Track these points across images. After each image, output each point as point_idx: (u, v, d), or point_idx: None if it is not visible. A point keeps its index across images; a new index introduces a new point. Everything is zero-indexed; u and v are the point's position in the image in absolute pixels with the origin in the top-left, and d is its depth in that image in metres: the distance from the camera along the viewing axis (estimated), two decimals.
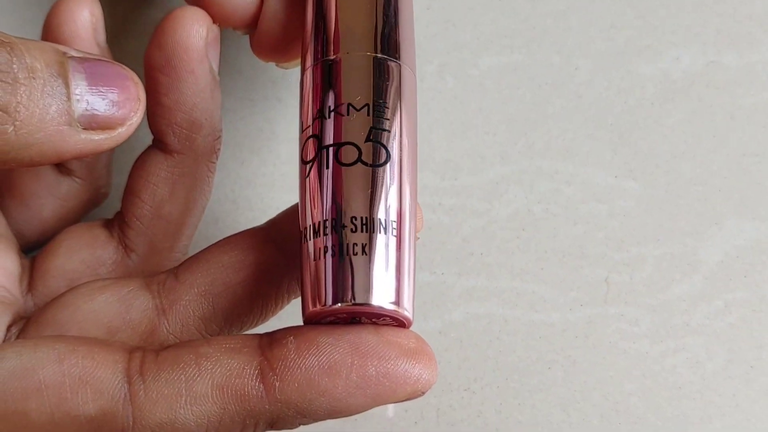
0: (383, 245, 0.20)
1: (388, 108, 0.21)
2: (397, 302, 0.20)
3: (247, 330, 0.24)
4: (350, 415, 0.20)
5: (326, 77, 0.21)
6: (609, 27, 0.31)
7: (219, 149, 0.25)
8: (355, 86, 0.21)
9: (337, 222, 0.20)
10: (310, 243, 0.20)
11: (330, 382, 0.20)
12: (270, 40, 0.25)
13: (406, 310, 0.20)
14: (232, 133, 0.29)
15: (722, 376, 0.27)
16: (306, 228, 0.20)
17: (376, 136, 0.20)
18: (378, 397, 0.20)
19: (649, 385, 0.27)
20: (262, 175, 0.29)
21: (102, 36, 0.26)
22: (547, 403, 0.26)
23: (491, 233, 0.28)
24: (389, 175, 0.20)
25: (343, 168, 0.20)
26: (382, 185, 0.20)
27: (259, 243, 0.23)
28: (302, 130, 0.21)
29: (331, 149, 0.20)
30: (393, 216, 0.20)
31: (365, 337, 0.20)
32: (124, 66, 0.23)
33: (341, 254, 0.20)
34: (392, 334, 0.20)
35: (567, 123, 0.29)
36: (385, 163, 0.20)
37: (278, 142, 0.29)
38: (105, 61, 0.22)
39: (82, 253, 0.25)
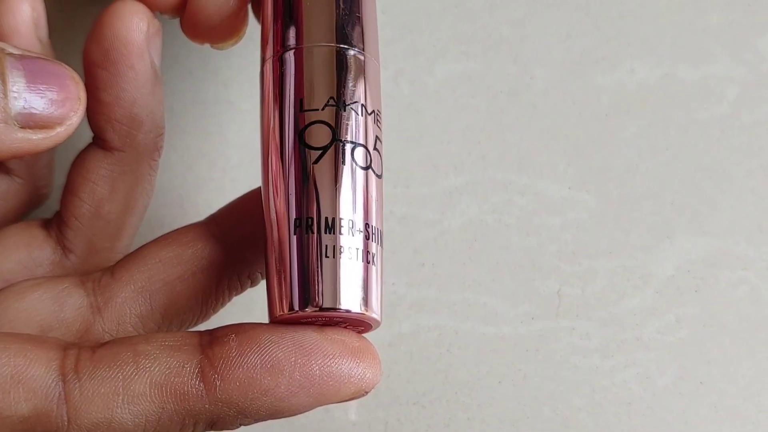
0: (377, 252, 0.20)
1: (380, 116, 0.21)
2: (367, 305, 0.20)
3: (186, 328, 0.23)
4: (292, 415, 0.20)
5: (334, 67, 0.21)
6: (566, 37, 0.30)
7: (161, 147, 0.24)
8: (372, 89, 0.21)
9: (343, 223, 0.20)
10: (306, 237, 0.20)
11: (272, 380, 0.19)
12: (201, 21, 0.24)
13: (375, 313, 0.20)
14: (180, 136, 0.29)
15: (672, 392, 0.27)
16: (300, 219, 0.20)
17: (377, 143, 0.21)
18: (321, 397, 0.20)
19: (598, 400, 0.27)
20: (211, 180, 0.28)
21: (44, 32, 0.25)
22: (496, 419, 0.26)
23: (443, 244, 0.28)
24: (379, 183, 0.21)
25: (359, 170, 0.20)
26: (377, 192, 0.21)
27: (199, 237, 0.23)
28: (302, 110, 0.20)
29: (348, 146, 0.20)
30: (378, 223, 0.21)
31: (309, 335, 0.20)
32: (64, 64, 0.22)
33: (345, 256, 0.20)
34: (336, 332, 0.20)
35: (522, 133, 0.29)
36: (381, 175, 0.21)
37: (228, 146, 0.29)
38: (44, 60, 0.22)
39: (19, 253, 0.25)
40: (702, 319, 0.27)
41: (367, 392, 0.20)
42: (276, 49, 0.22)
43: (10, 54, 0.21)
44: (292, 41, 0.21)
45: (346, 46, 0.21)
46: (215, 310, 0.23)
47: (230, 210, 0.24)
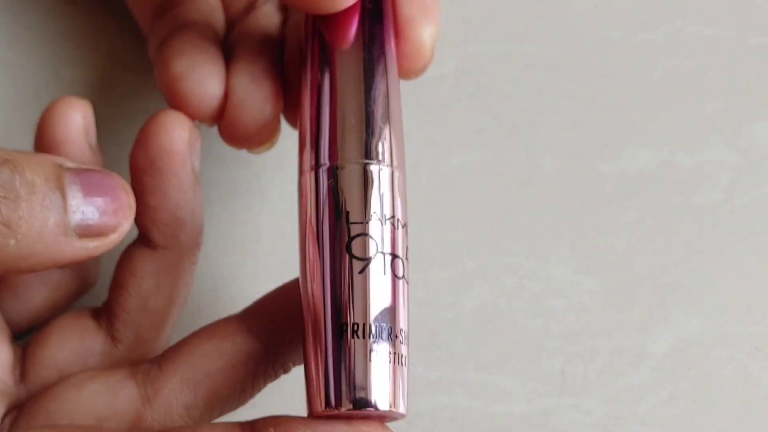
0: (406, 354, 0.23)
1: (408, 226, 0.24)
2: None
3: (227, 413, 0.26)
4: None
5: (372, 183, 0.23)
6: (572, 125, 0.33)
7: (201, 243, 0.27)
8: (404, 202, 0.24)
9: (383, 329, 0.22)
10: (347, 341, 0.22)
11: None
12: (238, 130, 0.27)
13: (401, 408, 0.23)
14: (215, 225, 0.31)
15: None
16: (346, 324, 0.22)
17: (407, 253, 0.24)
18: None
19: None
20: (244, 267, 0.31)
21: (93, 137, 0.27)
22: None
23: (457, 326, 0.30)
24: (408, 290, 0.23)
25: (396, 279, 0.23)
26: (407, 299, 0.23)
27: (237, 331, 0.25)
28: (349, 222, 0.23)
29: (388, 257, 0.23)
30: (407, 326, 0.23)
31: (339, 427, 0.22)
32: (115, 174, 0.24)
33: (379, 358, 0.22)
34: (363, 424, 0.23)
35: (531, 219, 0.32)
36: (409, 282, 0.24)
37: (260, 234, 0.31)
38: (98, 172, 0.24)
39: (72, 343, 0.27)
40: (694, 396, 0.30)
41: None
42: (314, 163, 0.24)
43: (68, 169, 0.24)
44: (329, 157, 0.24)
45: (380, 163, 0.24)
46: (252, 396, 0.26)
47: (264, 304, 0.26)
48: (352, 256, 0.23)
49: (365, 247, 0.23)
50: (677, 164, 0.32)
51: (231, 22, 0.29)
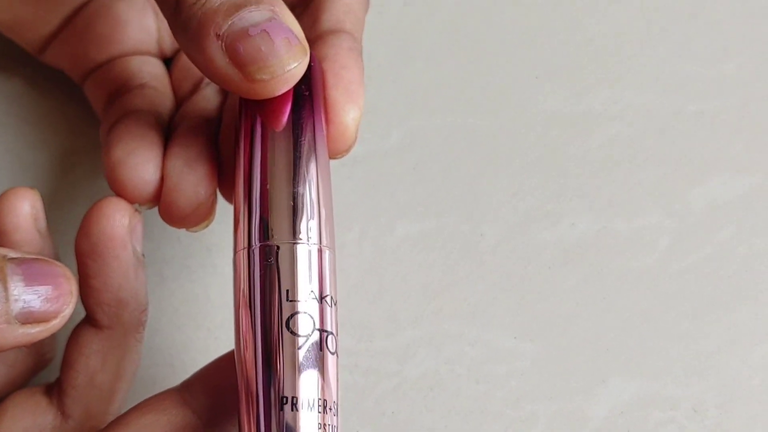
0: (335, 425, 0.24)
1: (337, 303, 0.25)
2: None
3: None
4: None
5: (308, 262, 0.25)
6: (513, 194, 0.34)
7: (145, 321, 0.28)
8: (331, 280, 0.25)
9: (315, 401, 0.24)
10: (288, 414, 0.24)
11: None
12: (174, 211, 0.28)
13: None
14: (169, 300, 0.32)
15: None
16: (279, 397, 0.24)
17: (338, 329, 0.25)
18: None
19: None
20: (197, 339, 0.32)
21: (42, 223, 0.29)
22: None
23: (402, 393, 0.31)
24: (338, 364, 0.25)
25: (330, 355, 0.24)
26: (337, 372, 0.25)
27: (173, 405, 0.26)
28: (288, 300, 0.24)
29: (324, 334, 0.24)
30: (338, 397, 0.25)
31: None
32: (57, 263, 0.26)
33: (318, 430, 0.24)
34: None
35: (473, 287, 0.33)
36: (338, 355, 0.25)
37: (212, 307, 0.32)
38: (40, 260, 0.26)
39: (25, 420, 0.29)
40: None
41: None
42: (247, 243, 0.25)
43: (11, 259, 0.25)
44: (261, 236, 0.25)
45: (309, 242, 0.25)
46: None
47: (200, 377, 0.27)
48: (290, 332, 0.24)
49: (302, 324, 0.24)
50: (615, 230, 0.33)
51: (179, 104, 0.31)
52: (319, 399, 0.24)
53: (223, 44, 0.24)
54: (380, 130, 0.34)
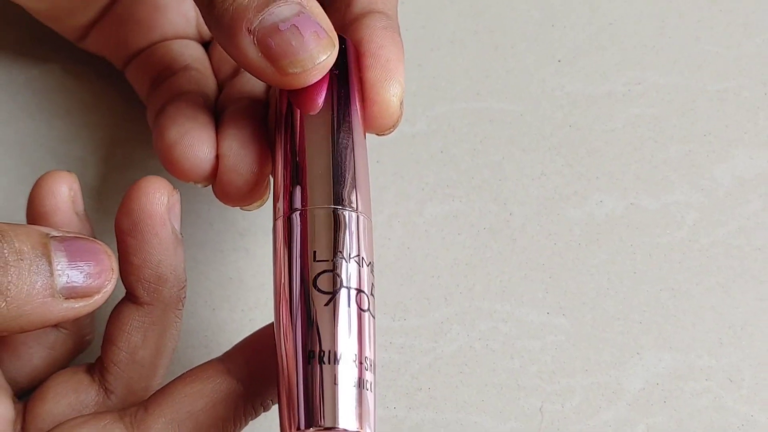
0: (372, 380, 0.25)
1: (374, 265, 0.26)
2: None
3: None
4: None
5: (339, 225, 0.25)
6: (540, 175, 0.34)
7: (184, 298, 0.29)
8: (368, 244, 0.26)
9: (348, 356, 0.24)
10: (313, 367, 0.24)
11: None
12: (231, 190, 0.29)
13: (369, 428, 0.24)
14: (204, 283, 0.33)
15: None
16: (313, 352, 0.24)
17: (373, 289, 0.25)
18: None
19: None
20: (232, 321, 0.32)
21: (80, 206, 0.29)
22: None
23: (437, 369, 0.32)
24: (373, 322, 0.25)
25: (360, 311, 0.25)
26: (372, 330, 0.25)
27: (216, 373, 0.27)
28: (315, 260, 0.25)
29: (352, 291, 0.25)
30: (372, 354, 0.25)
31: None
32: (98, 241, 0.27)
33: (345, 383, 0.24)
34: None
35: (503, 265, 0.33)
36: (375, 315, 0.25)
37: (246, 289, 0.33)
38: (82, 238, 0.26)
39: (68, 397, 0.29)
40: (671, 428, 0.31)
41: None
42: (286, 209, 0.26)
43: (54, 237, 0.26)
44: (299, 203, 0.26)
45: (344, 207, 0.26)
46: None
47: (242, 347, 0.28)
48: (317, 290, 0.25)
49: (331, 281, 0.25)
50: (643, 207, 0.34)
51: (221, 86, 0.32)
52: (350, 354, 0.24)
53: (255, 39, 0.26)
54: (407, 116, 0.34)
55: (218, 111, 0.30)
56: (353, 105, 0.27)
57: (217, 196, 0.29)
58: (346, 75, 0.28)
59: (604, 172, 0.34)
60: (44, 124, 0.35)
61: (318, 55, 0.26)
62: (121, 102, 0.35)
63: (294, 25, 0.26)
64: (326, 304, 0.24)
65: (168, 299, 0.28)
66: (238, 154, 0.28)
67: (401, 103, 0.28)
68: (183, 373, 0.27)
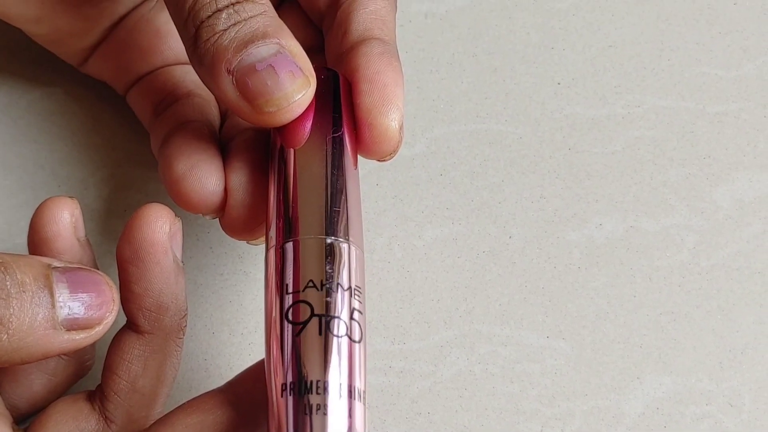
0: (361, 411, 0.25)
1: (361, 291, 0.26)
2: None
3: None
4: None
5: (314, 255, 0.26)
6: (539, 197, 0.34)
7: (185, 326, 0.29)
8: (349, 270, 0.26)
9: (326, 385, 0.24)
10: (290, 398, 0.24)
11: None
12: (238, 224, 0.29)
13: None
14: (204, 306, 0.33)
15: None
16: (292, 383, 0.24)
17: (354, 314, 0.25)
18: None
19: None
20: (231, 345, 0.32)
21: (82, 232, 0.29)
22: None
23: (436, 393, 0.32)
24: (363, 350, 0.25)
25: (335, 338, 0.25)
26: (362, 358, 0.25)
27: (218, 405, 0.27)
28: (287, 293, 0.25)
29: (324, 318, 0.25)
30: (363, 385, 0.25)
31: None
32: (99, 272, 0.27)
33: (326, 412, 0.24)
34: None
35: (503, 288, 0.33)
36: (360, 340, 0.25)
37: (245, 313, 0.33)
38: (83, 269, 0.26)
39: (69, 425, 0.29)
40: None
41: None
42: (274, 241, 0.26)
43: (56, 268, 0.26)
44: (282, 235, 0.26)
45: (327, 237, 0.26)
46: None
47: (244, 378, 0.28)
48: (288, 321, 0.25)
49: (299, 312, 0.25)
50: (643, 229, 0.34)
51: (224, 114, 0.32)
52: (318, 381, 0.24)
53: (234, 79, 0.26)
54: (406, 139, 0.34)
55: (223, 140, 0.30)
56: (342, 136, 0.28)
57: (224, 230, 0.29)
58: (337, 105, 0.28)
59: (603, 194, 0.34)
60: (46, 146, 0.35)
61: (293, 94, 0.26)
62: (123, 124, 0.36)
63: (270, 65, 0.26)
64: (297, 335, 0.25)
65: (169, 328, 0.28)
66: (246, 190, 0.28)
67: (401, 128, 0.28)
68: (184, 403, 0.27)
